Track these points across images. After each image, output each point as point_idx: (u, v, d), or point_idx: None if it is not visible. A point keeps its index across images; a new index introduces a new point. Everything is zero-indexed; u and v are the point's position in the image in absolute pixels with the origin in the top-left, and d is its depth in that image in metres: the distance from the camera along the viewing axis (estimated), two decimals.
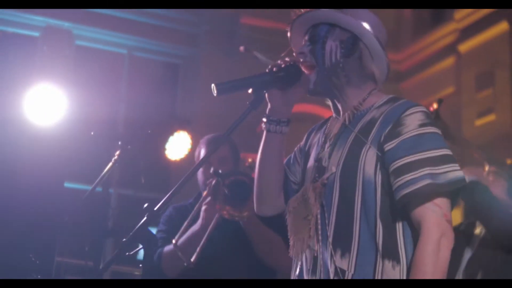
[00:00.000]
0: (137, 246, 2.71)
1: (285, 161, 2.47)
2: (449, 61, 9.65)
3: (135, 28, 9.96)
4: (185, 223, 3.36)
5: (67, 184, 7.20)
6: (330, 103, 2.39)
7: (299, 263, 2.26)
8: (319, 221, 2.18)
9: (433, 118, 2.23)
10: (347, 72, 2.27)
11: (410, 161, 2.03)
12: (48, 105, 5.34)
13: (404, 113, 2.11)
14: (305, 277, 2.22)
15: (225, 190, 3.29)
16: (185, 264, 3.25)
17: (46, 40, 9.46)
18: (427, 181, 1.99)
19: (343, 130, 2.26)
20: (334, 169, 2.16)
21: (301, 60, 2.30)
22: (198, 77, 9.66)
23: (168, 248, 3.49)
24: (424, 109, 2.15)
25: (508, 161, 4.36)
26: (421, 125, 2.08)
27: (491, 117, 8.67)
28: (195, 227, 3.42)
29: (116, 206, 9.25)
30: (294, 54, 2.39)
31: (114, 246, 8.58)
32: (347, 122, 2.26)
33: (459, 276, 3.95)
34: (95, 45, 9.96)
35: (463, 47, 9.31)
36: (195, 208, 3.48)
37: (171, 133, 5.50)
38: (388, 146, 2.08)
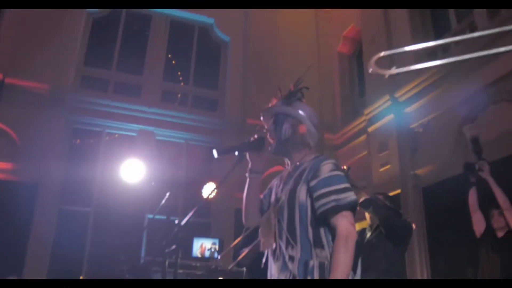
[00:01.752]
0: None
1: (263, 194, 2.35)
2: (363, 137, 9.41)
3: (189, 129, 9.98)
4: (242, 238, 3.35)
5: (148, 216, 7.34)
6: (285, 159, 2.30)
7: (267, 253, 2.17)
8: (276, 229, 2.09)
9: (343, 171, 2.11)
10: (293, 143, 2.21)
11: (323, 192, 2.00)
12: (136, 171, 5.52)
13: (321, 163, 2.07)
14: (272, 263, 2.11)
15: None
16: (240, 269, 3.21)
17: (139, 137, 9.56)
18: (333, 204, 1.96)
19: (290, 176, 2.18)
20: (284, 198, 2.10)
21: (268, 135, 2.26)
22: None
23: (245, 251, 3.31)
24: (333, 161, 2.10)
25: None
26: (330, 171, 2.04)
27: (388, 167, 8.41)
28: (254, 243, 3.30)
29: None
30: (264, 130, 2.31)
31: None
32: (291, 171, 2.20)
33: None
34: (166, 138, 9.89)
35: (371, 129, 9.11)
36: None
37: (205, 183, 5.65)
38: (312, 183, 2.04)
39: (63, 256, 8.29)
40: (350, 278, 1.94)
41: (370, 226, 3.96)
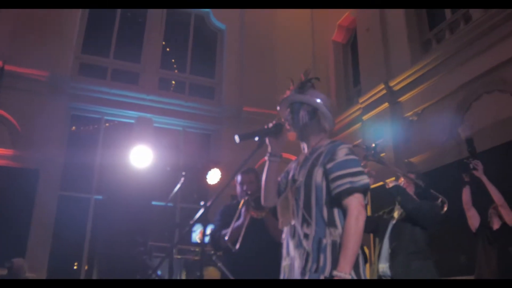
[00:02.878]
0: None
1: (280, 176, 2.42)
2: (357, 125, 9.49)
3: (186, 116, 10.03)
4: (234, 221, 3.28)
5: (154, 202, 7.37)
6: (301, 144, 2.38)
7: (285, 232, 2.24)
8: (294, 208, 2.17)
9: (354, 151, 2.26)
10: (310, 128, 2.30)
11: (339, 174, 2.09)
12: (141, 156, 5.57)
13: (337, 148, 2.16)
14: (289, 240, 2.19)
15: (252, 203, 3.26)
16: (233, 250, 3.15)
17: (138, 124, 9.62)
18: (348, 185, 2.06)
19: (306, 159, 2.26)
20: (301, 179, 2.19)
21: (287, 124, 2.33)
22: (220, 140, 9.82)
23: (223, 232, 3.37)
24: (349, 146, 2.19)
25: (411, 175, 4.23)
26: (346, 154, 2.13)
27: (381, 155, 8.19)
28: (239, 222, 3.30)
29: (180, 211, 9.34)
30: (281, 119, 2.38)
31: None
32: (308, 155, 2.28)
33: (387, 237, 3.87)
34: (164, 126, 9.97)
35: (365, 117, 9.18)
36: (238, 212, 3.34)
37: (209, 169, 5.67)
38: (328, 166, 2.13)
39: (64, 240, 8.39)
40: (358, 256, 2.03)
41: (398, 207, 4.00)
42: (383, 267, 3.69)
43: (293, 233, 2.16)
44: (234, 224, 3.31)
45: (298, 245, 2.12)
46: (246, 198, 3.28)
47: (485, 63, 6.87)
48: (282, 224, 2.24)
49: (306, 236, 2.10)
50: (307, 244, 2.08)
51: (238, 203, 3.50)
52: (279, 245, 3.32)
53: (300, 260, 2.09)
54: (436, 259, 7.17)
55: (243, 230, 3.22)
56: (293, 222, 2.17)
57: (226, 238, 3.28)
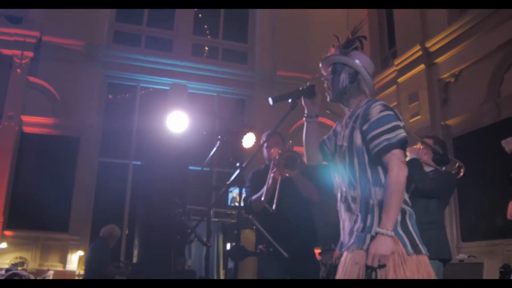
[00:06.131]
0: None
1: (326, 136, 2.43)
2: (393, 88, 9.34)
3: (220, 81, 10.09)
4: (266, 183, 3.27)
5: (190, 167, 7.52)
6: (343, 106, 2.36)
7: (338, 196, 2.27)
8: (342, 172, 2.22)
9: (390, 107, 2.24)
10: (351, 91, 2.28)
11: (375, 133, 2.09)
12: (178, 121, 5.67)
13: (370, 107, 2.15)
14: (341, 204, 2.23)
15: (284, 161, 3.20)
16: (270, 210, 3.08)
17: (173, 90, 9.70)
18: (385, 143, 2.06)
19: (347, 123, 2.26)
20: (345, 144, 2.21)
21: (326, 83, 2.33)
22: (254, 105, 9.88)
23: (254, 197, 3.42)
24: (382, 102, 2.17)
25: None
26: (379, 112, 2.11)
27: (417, 118, 8.39)
28: (268, 185, 3.26)
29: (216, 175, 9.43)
30: (322, 78, 2.36)
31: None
32: (348, 118, 2.28)
33: None
34: (199, 91, 10.05)
35: (400, 80, 9.01)
36: (269, 174, 3.31)
37: (245, 133, 5.76)
38: (364, 127, 2.13)
39: (105, 205, 8.73)
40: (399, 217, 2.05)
41: None
42: None
43: (343, 197, 2.21)
44: (267, 185, 3.30)
45: (348, 209, 2.18)
46: (277, 157, 3.24)
47: None
48: (336, 190, 2.29)
49: (354, 199, 2.15)
50: (355, 207, 2.14)
51: (267, 167, 3.51)
52: (313, 204, 3.47)
53: (349, 222, 2.16)
54: (472, 223, 7.27)
55: (277, 190, 3.17)
56: (343, 187, 2.22)
57: (262, 198, 3.28)
